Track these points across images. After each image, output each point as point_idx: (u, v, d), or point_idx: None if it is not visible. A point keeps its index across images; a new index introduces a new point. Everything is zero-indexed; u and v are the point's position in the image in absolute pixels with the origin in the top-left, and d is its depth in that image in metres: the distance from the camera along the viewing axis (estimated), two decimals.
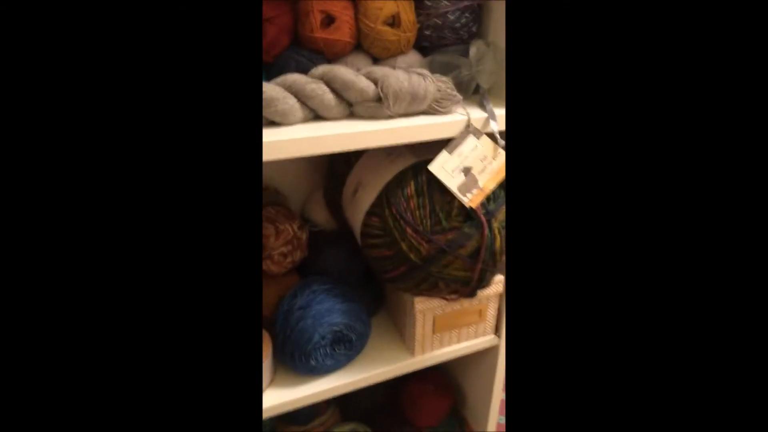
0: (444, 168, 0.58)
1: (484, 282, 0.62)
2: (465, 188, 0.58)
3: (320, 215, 0.88)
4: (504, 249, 0.61)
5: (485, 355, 0.86)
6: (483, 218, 0.59)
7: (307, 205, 0.90)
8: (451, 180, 0.58)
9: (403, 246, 0.60)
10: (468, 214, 0.60)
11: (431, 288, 0.63)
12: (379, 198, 0.63)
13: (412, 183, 0.61)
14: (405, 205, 0.60)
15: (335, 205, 0.81)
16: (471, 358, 0.92)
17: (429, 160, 0.59)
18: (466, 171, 0.58)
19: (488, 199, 0.60)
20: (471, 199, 0.58)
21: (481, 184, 0.58)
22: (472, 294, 0.64)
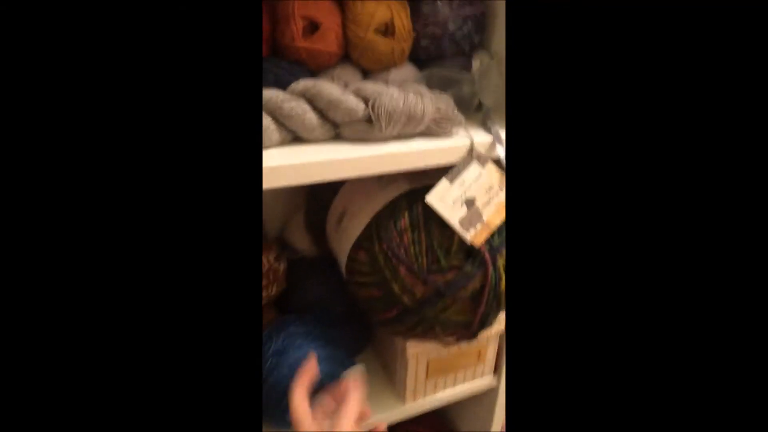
0: (444, 199, 0.50)
1: (486, 325, 0.55)
2: (467, 223, 0.50)
3: (301, 240, 0.80)
4: None
5: (483, 396, 0.78)
6: (487, 256, 0.51)
7: (286, 228, 0.82)
8: (452, 213, 0.50)
9: (395, 287, 0.52)
10: (469, 250, 0.52)
11: (426, 332, 0.56)
12: (368, 230, 0.55)
13: (407, 214, 0.53)
14: (398, 240, 0.52)
15: (318, 229, 0.73)
16: (468, 400, 0.84)
17: (426, 187, 0.51)
18: (469, 203, 0.51)
19: (492, 233, 0.52)
20: (474, 236, 0.50)
21: (485, 218, 0.50)
22: (472, 337, 0.57)
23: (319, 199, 0.72)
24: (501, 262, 0.53)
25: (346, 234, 0.59)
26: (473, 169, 0.51)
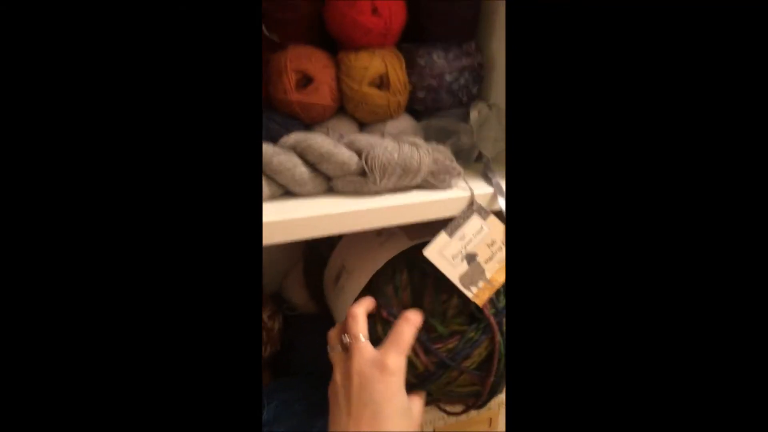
0: (442, 254, 0.47)
1: (496, 393, 0.50)
2: (468, 280, 0.47)
3: (299, 295, 0.76)
4: None
5: None
6: (492, 320, 0.47)
7: (284, 282, 0.79)
8: (452, 269, 0.47)
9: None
10: (472, 314, 0.48)
11: (431, 402, 0.51)
12: (366, 292, 0.52)
13: (406, 276, 0.50)
14: (398, 305, 0.49)
15: (316, 284, 0.69)
16: None
17: (426, 243, 0.48)
18: (470, 258, 0.48)
19: (497, 293, 0.49)
20: (476, 294, 0.47)
21: (488, 275, 0.47)
22: (481, 406, 0.52)
23: (316, 251, 0.70)
24: None
25: (344, 294, 0.56)
26: (474, 222, 0.48)
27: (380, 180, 0.46)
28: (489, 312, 0.47)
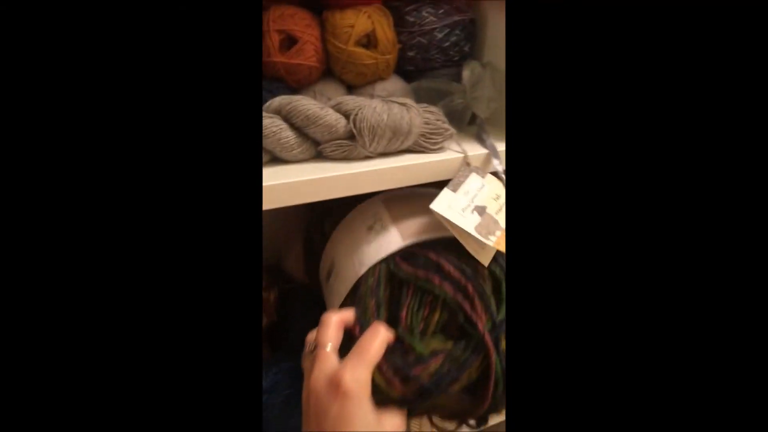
0: (451, 207, 0.44)
1: (496, 410, 0.42)
2: (485, 230, 0.44)
3: (297, 269, 0.76)
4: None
5: None
6: (487, 337, 0.39)
7: (285, 255, 0.78)
8: (465, 221, 0.44)
9: (377, 377, 0.38)
10: (462, 327, 0.40)
11: (421, 417, 0.46)
12: (347, 301, 0.46)
13: (385, 285, 0.43)
14: (375, 319, 0.42)
15: (313, 274, 0.65)
16: None
17: (418, 245, 0.44)
18: (481, 210, 0.45)
19: (498, 303, 0.42)
20: (497, 242, 0.44)
21: (502, 224, 0.45)
22: (479, 425, 0.45)
23: (312, 246, 0.65)
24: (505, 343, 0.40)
25: (333, 295, 0.50)
26: (474, 179, 0.46)
27: (369, 143, 0.44)
28: (484, 327, 0.40)
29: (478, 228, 0.43)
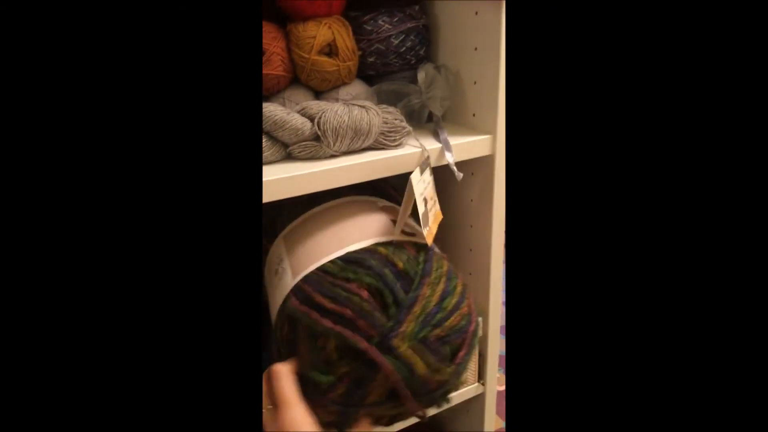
0: (418, 185, 0.48)
1: (445, 395, 0.46)
2: (425, 221, 0.49)
3: None
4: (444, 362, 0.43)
5: (471, 404, 0.78)
6: (372, 351, 0.40)
7: None
8: (421, 204, 0.48)
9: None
10: (352, 349, 0.41)
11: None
12: (279, 317, 0.48)
13: (287, 329, 0.45)
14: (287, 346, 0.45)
15: None
16: (457, 409, 0.83)
17: (306, 277, 0.46)
18: (426, 201, 0.50)
19: (380, 315, 0.42)
20: (428, 235, 0.49)
21: (430, 222, 0.50)
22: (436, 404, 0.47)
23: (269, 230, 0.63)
24: (404, 346, 0.40)
25: (278, 292, 0.49)
26: (427, 173, 0.51)
27: (333, 143, 0.49)
28: (372, 341, 0.41)
29: (423, 216, 0.48)
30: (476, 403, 0.77)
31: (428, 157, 0.52)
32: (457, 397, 0.71)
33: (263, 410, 0.42)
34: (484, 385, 0.73)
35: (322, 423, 0.41)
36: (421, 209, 0.48)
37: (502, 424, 1.08)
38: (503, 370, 1.19)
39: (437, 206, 0.51)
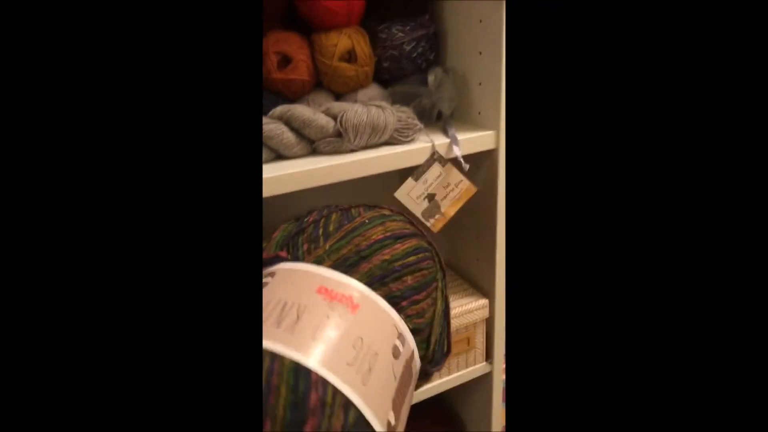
0: (410, 195, 0.57)
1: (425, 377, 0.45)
2: (428, 214, 0.57)
3: None
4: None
5: (479, 383, 0.83)
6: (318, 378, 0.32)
7: None
8: (416, 207, 0.57)
9: None
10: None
11: None
12: None
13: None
14: None
15: None
16: (466, 387, 0.89)
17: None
18: (430, 197, 0.57)
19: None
20: (433, 224, 0.56)
21: (443, 210, 0.57)
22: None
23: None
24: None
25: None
26: (435, 169, 0.58)
27: (354, 139, 0.55)
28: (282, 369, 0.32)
29: (424, 213, 0.56)
30: (484, 381, 0.82)
31: (434, 153, 0.58)
32: (465, 375, 0.77)
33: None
34: (492, 364, 0.79)
35: None
36: (423, 207, 0.56)
37: None
38: None
39: (460, 186, 0.58)
